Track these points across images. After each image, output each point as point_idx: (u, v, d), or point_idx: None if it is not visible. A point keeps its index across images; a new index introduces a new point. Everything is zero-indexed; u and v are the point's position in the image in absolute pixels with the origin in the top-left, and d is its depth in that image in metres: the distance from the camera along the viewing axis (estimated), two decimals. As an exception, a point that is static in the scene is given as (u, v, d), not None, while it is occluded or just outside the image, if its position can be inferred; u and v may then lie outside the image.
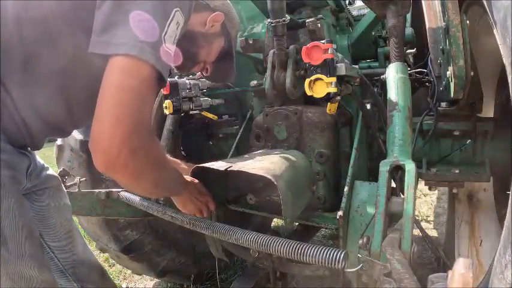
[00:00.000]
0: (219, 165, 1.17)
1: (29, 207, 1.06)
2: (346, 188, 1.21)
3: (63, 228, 1.17)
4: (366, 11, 2.18)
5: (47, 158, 1.48)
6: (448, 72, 1.28)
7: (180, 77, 1.70)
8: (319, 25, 1.27)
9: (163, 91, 1.56)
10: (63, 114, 1.01)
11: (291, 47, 1.32)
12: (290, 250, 0.99)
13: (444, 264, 1.76)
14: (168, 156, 1.48)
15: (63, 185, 1.26)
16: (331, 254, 0.93)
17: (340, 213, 1.13)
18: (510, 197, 0.67)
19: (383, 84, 1.41)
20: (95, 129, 0.84)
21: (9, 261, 0.90)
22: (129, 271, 2.73)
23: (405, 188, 0.91)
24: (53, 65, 0.92)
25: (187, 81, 1.65)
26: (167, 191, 1.19)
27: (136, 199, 1.55)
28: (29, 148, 1.03)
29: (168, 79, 1.55)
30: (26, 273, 0.93)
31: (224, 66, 1.38)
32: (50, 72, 0.92)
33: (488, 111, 1.68)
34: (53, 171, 1.22)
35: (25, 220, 0.93)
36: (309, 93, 1.12)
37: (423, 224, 3.42)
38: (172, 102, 1.55)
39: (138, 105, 0.83)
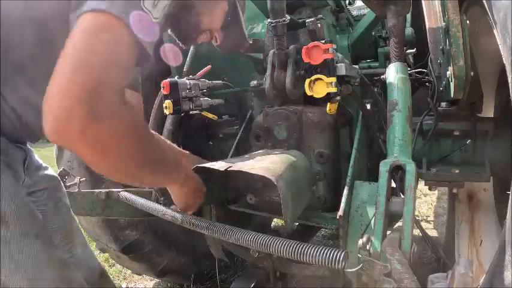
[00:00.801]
0: (219, 165, 1.17)
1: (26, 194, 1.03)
2: (346, 188, 1.21)
3: (60, 231, 1.16)
4: (366, 11, 2.18)
5: (47, 158, 1.48)
6: (448, 72, 1.28)
7: (180, 77, 1.70)
8: (319, 25, 1.27)
9: (163, 91, 1.56)
10: None
11: (291, 47, 1.32)
12: (290, 250, 0.99)
13: (444, 264, 1.76)
14: (165, 139, 1.40)
15: (62, 185, 1.25)
16: (331, 254, 0.93)
17: (340, 213, 1.13)
18: (510, 197, 0.67)
19: (383, 84, 1.40)
20: (48, 88, 0.69)
21: (11, 240, 0.87)
22: (129, 271, 2.73)
23: (405, 188, 0.91)
24: (52, 66, 0.92)
25: (187, 81, 1.65)
26: (154, 176, 0.97)
27: (136, 199, 1.55)
28: (27, 140, 1.02)
29: (168, 79, 1.55)
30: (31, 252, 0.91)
31: (234, 33, 1.28)
32: (49, 73, 0.92)
33: (488, 111, 1.69)
34: (52, 171, 1.21)
35: (24, 199, 0.93)
36: (309, 93, 1.12)
37: (423, 224, 3.42)
38: (172, 102, 1.54)
39: (105, 59, 0.69)
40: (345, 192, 1.20)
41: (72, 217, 1.23)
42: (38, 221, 0.95)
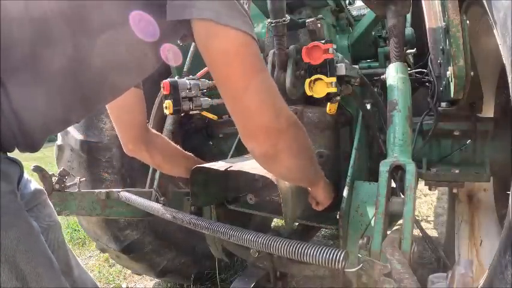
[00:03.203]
0: (219, 165, 1.18)
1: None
2: (346, 188, 1.21)
3: (56, 253, 1.01)
4: (366, 11, 2.18)
5: (47, 158, 1.48)
6: (448, 72, 1.28)
7: (180, 77, 1.70)
8: (319, 25, 1.27)
9: (163, 91, 1.56)
10: (61, 114, 0.98)
11: (291, 47, 1.32)
12: (290, 250, 0.99)
13: (444, 264, 1.75)
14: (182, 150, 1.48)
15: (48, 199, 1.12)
16: (331, 254, 0.93)
17: (340, 213, 1.13)
18: (510, 197, 0.67)
19: (383, 84, 1.41)
20: (247, 124, 0.83)
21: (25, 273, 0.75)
22: (129, 271, 2.73)
23: (405, 188, 0.91)
24: (53, 65, 0.91)
25: (187, 81, 1.64)
26: (315, 173, 1.09)
27: (136, 199, 1.55)
28: (24, 150, 0.89)
29: (168, 79, 1.55)
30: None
31: None
32: (49, 72, 0.92)
33: (488, 111, 1.68)
34: (36, 183, 1.07)
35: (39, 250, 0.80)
36: (309, 93, 1.12)
37: (423, 224, 3.42)
38: (172, 102, 1.54)
39: (270, 83, 0.82)
40: (345, 192, 1.20)
41: (63, 236, 1.12)
42: (52, 262, 0.84)
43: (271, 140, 0.84)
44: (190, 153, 1.53)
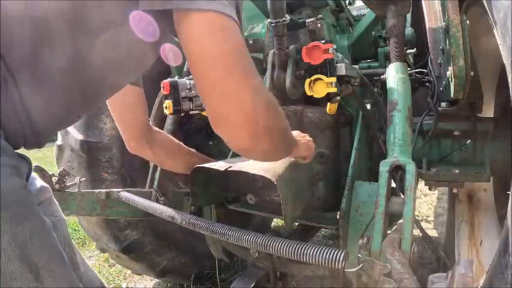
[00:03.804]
0: (219, 165, 1.17)
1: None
2: (346, 188, 1.21)
3: (63, 249, 1.07)
4: (366, 11, 2.18)
5: (47, 158, 1.48)
6: (448, 72, 1.28)
7: (180, 77, 1.70)
8: (319, 25, 1.27)
9: (163, 91, 1.56)
10: (64, 112, 1.00)
11: (291, 47, 1.32)
12: (290, 250, 0.99)
13: (444, 264, 1.76)
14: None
15: (53, 197, 1.13)
16: (331, 254, 0.93)
17: (340, 213, 1.13)
18: (510, 197, 0.67)
19: (383, 84, 1.41)
20: (221, 108, 0.75)
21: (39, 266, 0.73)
22: (129, 271, 2.73)
23: (405, 188, 0.91)
24: (54, 65, 0.92)
25: (187, 81, 1.64)
26: (291, 145, 1.04)
27: (136, 199, 1.55)
28: (29, 144, 0.96)
29: (168, 79, 1.55)
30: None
31: None
32: (50, 72, 0.92)
33: (488, 111, 1.68)
34: (40, 180, 1.09)
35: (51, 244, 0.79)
36: (309, 93, 1.12)
37: (423, 224, 3.42)
38: (172, 102, 1.54)
39: (248, 61, 0.76)
40: (345, 192, 1.20)
41: (68, 233, 1.12)
42: (63, 257, 0.83)
43: (249, 127, 0.77)
44: (193, 150, 1.54)
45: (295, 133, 1.19)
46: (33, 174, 1.03)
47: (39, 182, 1.04)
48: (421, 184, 1.85)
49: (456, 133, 1.63)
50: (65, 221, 1.10)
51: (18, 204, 0.68)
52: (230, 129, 0.77)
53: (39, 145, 0.91)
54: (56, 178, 1.52)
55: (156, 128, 1.49)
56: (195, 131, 2.19)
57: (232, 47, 0.75)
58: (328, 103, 1.21)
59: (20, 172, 0.75)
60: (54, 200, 1.09)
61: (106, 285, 1.29)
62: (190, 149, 1.55)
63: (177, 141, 1.55)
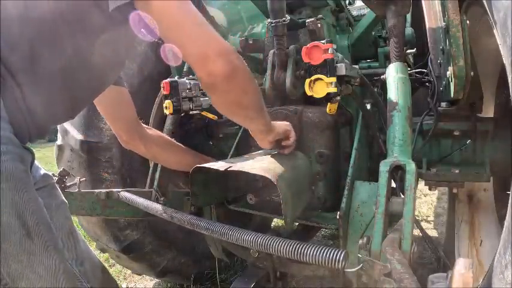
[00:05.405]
0: (219, 165, 1.17)
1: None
2: (346, 188, 1.20)
3: (65, 227, 1.15)
4: (366, 11, 2.18)
5: (47, 158, 1.48)
6: (448, 72, 1.28)
7: (180, 77, 1.70)
8: (319, 25, 1.27)
9: (163, 91, 1.56)
10: (64, 109, 1.02)
11: (291, 47, 1.32)
12: (290, 250, 0.99)
13: (444, 264, 1.76)
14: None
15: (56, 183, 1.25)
16: (331, 254, 0.93)
17: (340, 213, 1.13)
18: (510, 197, 0.67)
19: (383, 84, 1.41)
20: (200, 51, 0.88)
21: (35, 253, 0.87)
22: (129, 271, 2.73)
23: (405, 188, 0.91)
24: (54, 65, 0.92)
25: (187, 81, 1.64)
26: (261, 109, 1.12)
27: (136, 199, 1.55)
28: (34, 137, 1.02)
29: (168, 79, 1.55)
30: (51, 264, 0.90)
31: None
32: (51, 72, 0.92)
33: (488, 111, 1.68)
34: (44, 169, 1.19)
35: (42, 214, 0.90)
36: (309, 93, 1.12)
37: (423, 224, 3.42)
38: (172, 102, 1.54)
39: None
40: (345, 192, 1.20)
41: (69, 214, 1.23)
42: (51, 227, 0.94)
43: (228, 56, 0.90)
44: (187, 147, 1.57)
45: (282, 123, 1.26)
46: (38, 163, 1.13)
47: (42, 171, 1.15)
48: (421, 184, 1.84)
49: (456, 133, 1.63)
50: (66, 203, 1.20)
51: (19, 181, 0.83)
52: (211, 60, 0.88)
53: (42, 137, 1.04)
54: (56, 178, 1.53)
55: (146, 126, 1.56)
56: (195, 131, 2.19)
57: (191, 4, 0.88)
58: (328, 103, 1.21)
59: (24, 160, 0.88)
60: (56, 186, 1.20)
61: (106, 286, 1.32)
62: (183, 146, 1.57)
63: (168, 137, 1.63)
